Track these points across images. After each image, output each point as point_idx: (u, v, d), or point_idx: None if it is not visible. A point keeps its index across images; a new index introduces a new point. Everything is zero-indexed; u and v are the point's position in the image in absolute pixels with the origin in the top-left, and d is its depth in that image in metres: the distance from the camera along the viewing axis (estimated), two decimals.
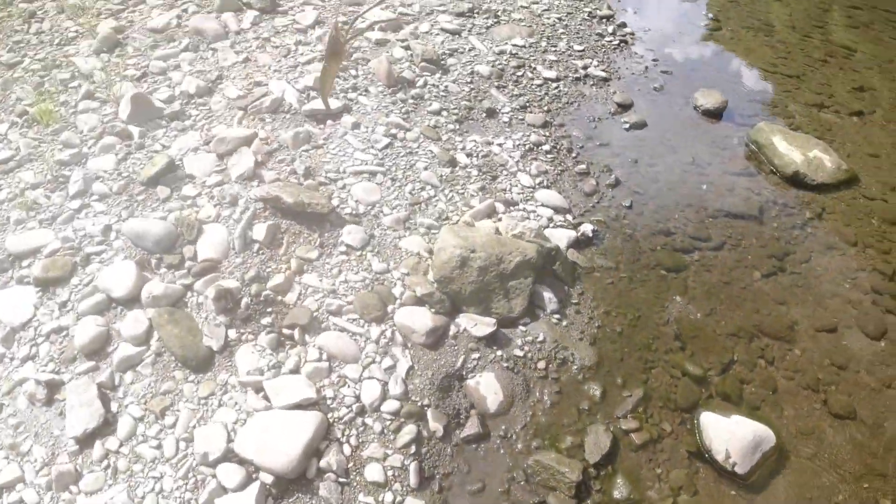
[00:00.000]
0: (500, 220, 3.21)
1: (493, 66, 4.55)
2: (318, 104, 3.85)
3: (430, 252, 3.06)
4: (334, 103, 3.86)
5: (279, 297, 2.76)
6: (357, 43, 4.68)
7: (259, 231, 2.98)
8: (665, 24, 5.83)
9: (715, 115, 4.49)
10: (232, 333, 2.63)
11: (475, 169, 3.56)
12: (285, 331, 2.64)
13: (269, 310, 2.71)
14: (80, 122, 3.74)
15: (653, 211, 3.67)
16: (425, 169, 3.52)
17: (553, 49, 4.91)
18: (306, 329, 2.63)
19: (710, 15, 6.10)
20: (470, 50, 4.76)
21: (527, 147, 3.80)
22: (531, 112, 4.14)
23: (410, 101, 4.07)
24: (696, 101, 4.56)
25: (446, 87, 4.25)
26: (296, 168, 3.42)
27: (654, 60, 5.05)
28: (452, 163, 3.55)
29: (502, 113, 4.08)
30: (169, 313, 2.60)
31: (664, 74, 4.90)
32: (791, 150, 4.16)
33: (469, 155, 3.65)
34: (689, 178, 3.95)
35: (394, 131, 3.75)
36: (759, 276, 3.48)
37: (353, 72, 4.29)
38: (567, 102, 4.33)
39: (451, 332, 2.73)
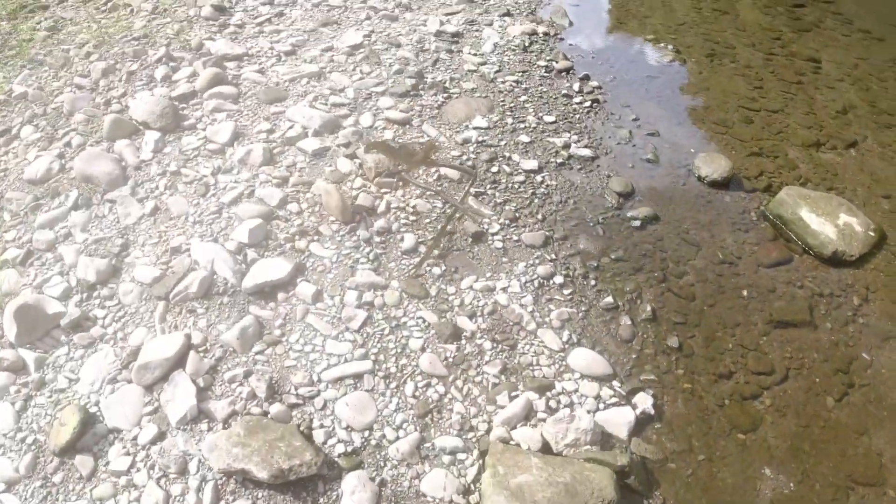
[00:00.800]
0: (542, 421, 2.44)
1: (460, 164, 3.75)
2: (261, 273, 2.95)
3: (465, 492, 2.25)
4: (280, 267, 2.96)
5: None
6: (290, 157, 3.78)
7: None
8: (627, 67, 5.19)
9: (723, 184, 3.87)
10: None
11: (486, 338, 2.76)
12: None
13: None
14: None
15: (703, 345, 3.00)
16: (423, 350, 2.69)
17: (522, 126, 4.16)
18: None
19: (670, 46, 5.50)
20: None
21: (536, 285, 3.03)
22: (525, 226, 3.38)
23: (376, 238, 3.23)
24: (698, 170, 3.93)
25: (414, 206, 3.43)
26: (254, 388, 2.52)
27: (634, 120, 4.39)
28: (455, 335, 2.74)
29: (491, 236, 3.29)
30: None
31: (651, 138, 4.25)
32: (823, 225, 3.60)
33: (472, 316, 2.84)
34: (725, 284, 3.31)
35: (368, 296, 2.91)
36: (833, 402, 2.95)
37: (292, 206, 3.39)
38: (560, 202, 3.60)
39: None
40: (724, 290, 3.33)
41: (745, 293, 3.32)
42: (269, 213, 3.31)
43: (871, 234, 3.68)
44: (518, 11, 5.78)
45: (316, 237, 3.21)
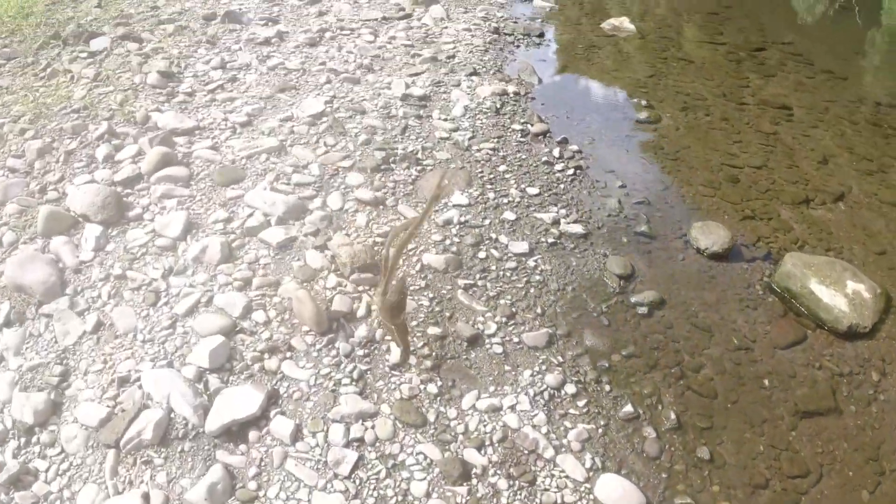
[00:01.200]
0: None
1: (444, 251, 3.40)
2: (227, 407, 2.50)
3: None
4: (250, 397, 2.53)
5: None
6: (252, 252, 3.36)
7: None
8: (604, 126, 4.99)
9: (723, 256, 3.63)
10: None
11: (500, 474, 2.38)
12: None
13: None
14: None
15: (734, 452, 2.69)
16: (429, 496, 2.29)
17: (506, 201, 3.85)
18: None
19: (643, 101, 5.33)
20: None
21: (547, 397, 2.68)
22: (524, 324, 3.03)
23: (359, 351, 2.82)
24: (696, 241, 3.68)
25: None
26: None
27: (621, 187, 4.14)
28: (464, 474, 2.35)
29: (489, 338, 2.94)
30: None
31: (642, 207, 4.00)
32: (834, 297, 3.39)
33: (481, 446, 2.46)
34: (744, 374, 3.04)
35: (357, 430, 2.50)
36: (868, 495, 2.71)
37: (258, 315, 2.97)
38: (558, 290, 3.28)
39: None
40: (744, 382, 3.05)
41: (766, 382, 3.05)
42: (231, 326, 2.88)
43: (879, 297, 3.51)
44: (485, 70, 5.55)
45: (288, 353, 2.79)
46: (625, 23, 6.83)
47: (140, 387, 2.62)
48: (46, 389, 2.68)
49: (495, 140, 4.45)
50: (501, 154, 4.31)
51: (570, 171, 4.19)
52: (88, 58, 5.53)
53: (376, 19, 6.45)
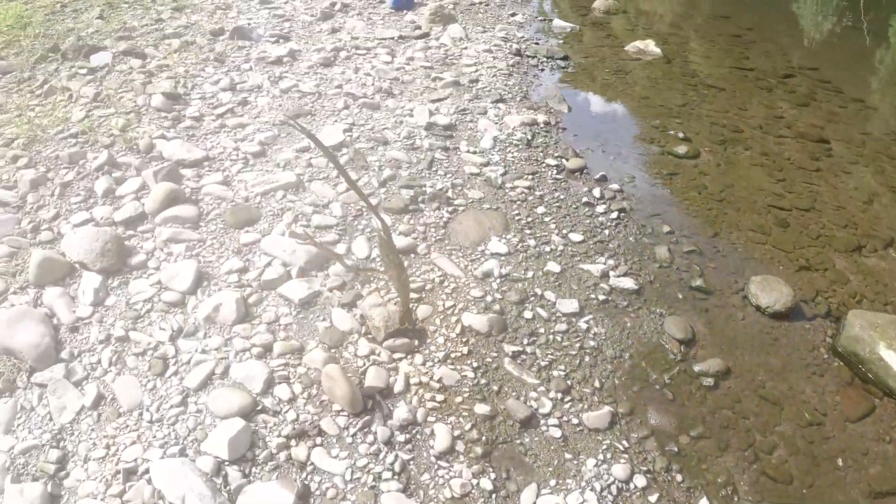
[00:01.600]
0: None
1: (486, 310, 3.06)
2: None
3: None
4: (277, 499, 2.17)
5: None
6: (272, 310, 3.01)
7: None
8: (643, 162, 4.68)
9: (785, 315, 3.32)
10: None
11: None
12: None
13: None
14: None
15: None
16: None
17: (548, 249, 3.52)
18: None
19: (680, 134, 5.02)
20: (441, 281, 3.24)
21: (615, 492, 2.36)
22: (582, 400, 2.70)
23: (399, 436, 2.47)
24: (755, 298, 3.37)
25: (440, 378, 2.71)
26: None
27: (668, 234, 3.83)
28: None
29: (544, 418, 2.60)
30: None
31: (693, 256, 3.69)
32: None
33: None
34: (817, 453, 2.75)
35: None
36: None
37: (281, 390, 2.61)
38: (615, 357, 2.95)
39: None
40: (818, 462, 2.74)
41: (840, 462, 2.75)
42: (251, 405, 2.52)
43: None
44: (510, 96, 5.23)
45: (318, 439, 2.44)
46: (650, 46, 6.54)
47: (149, 481, 2.26)
48: (42, 479, 2.33)
49: (530, 177, 4.13)
50: (538, 193, 3.98)
51: (614, 215, 3.87)
52: (88, 74, 5.16)
53: (392, 38, 6.12)
